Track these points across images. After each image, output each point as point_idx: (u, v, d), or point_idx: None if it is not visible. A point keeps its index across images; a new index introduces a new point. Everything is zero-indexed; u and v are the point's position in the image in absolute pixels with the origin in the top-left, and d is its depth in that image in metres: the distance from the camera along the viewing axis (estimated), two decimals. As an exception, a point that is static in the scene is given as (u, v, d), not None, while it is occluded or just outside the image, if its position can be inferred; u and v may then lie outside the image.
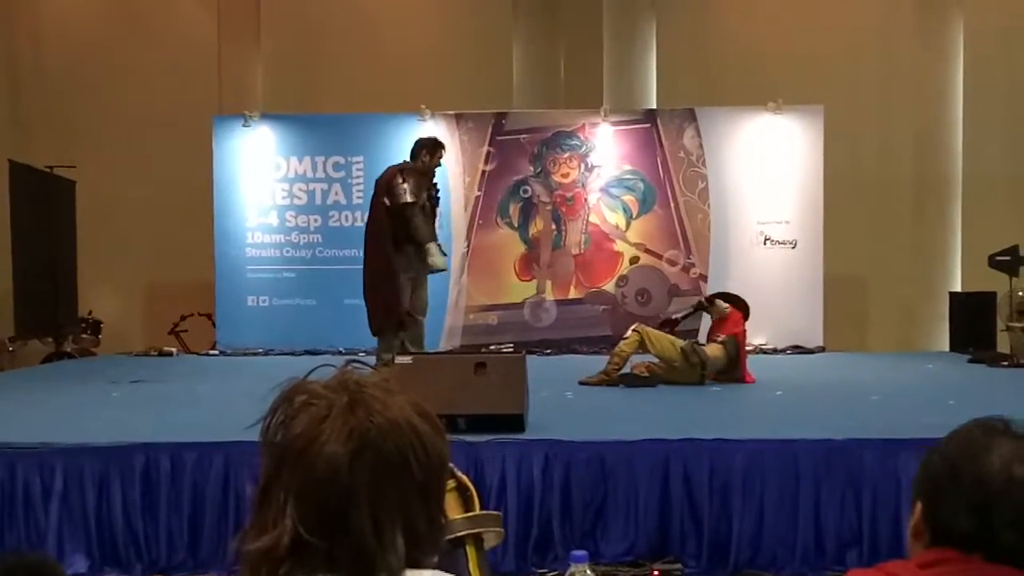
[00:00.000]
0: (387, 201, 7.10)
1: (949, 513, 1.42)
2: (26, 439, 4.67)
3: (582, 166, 10.60)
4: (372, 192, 7.48)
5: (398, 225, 7.09)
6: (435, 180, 7.55)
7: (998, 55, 11.30)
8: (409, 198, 7.03)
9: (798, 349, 10.18)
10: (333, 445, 1.13)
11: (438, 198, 7.62)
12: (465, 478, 1.47)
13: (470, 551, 1.44)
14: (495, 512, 1.53)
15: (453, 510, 1.41)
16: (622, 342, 7.29)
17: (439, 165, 7.55)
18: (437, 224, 7.72)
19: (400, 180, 7.08)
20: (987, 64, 11.31)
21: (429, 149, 7.35)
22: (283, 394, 1.19)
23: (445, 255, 7.44)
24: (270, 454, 1.16)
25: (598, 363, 8.43)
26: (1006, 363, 8.67)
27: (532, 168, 10.59)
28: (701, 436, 4.66)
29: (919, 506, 1.48)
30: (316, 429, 1.14)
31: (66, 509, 4.50)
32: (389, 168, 7.42)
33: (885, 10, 11.61)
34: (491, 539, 1.48)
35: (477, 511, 1.47)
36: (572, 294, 10.59)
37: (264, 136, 10.74)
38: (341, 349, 9.95)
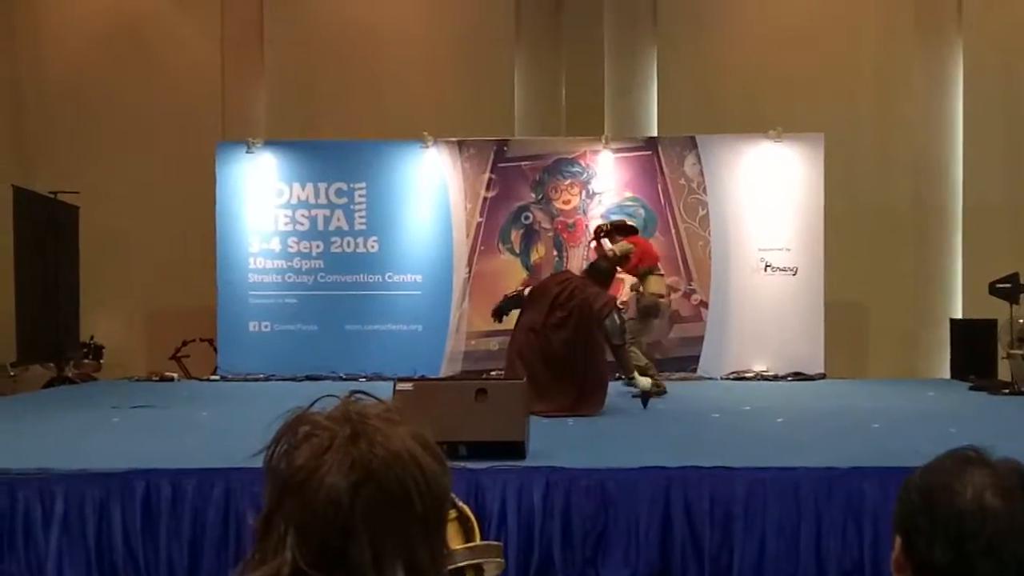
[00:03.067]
0: (602, 339, 7.29)
1: (926, 546, 1.43)
2: (27, 465, 4.67)
3: (583, 193, 10.63)
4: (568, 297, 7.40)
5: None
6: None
7: (997, 82, 11.35)
8: (622, 340, 7.37)
9: (799, 376, 10.16)
10: (334, 476, 1.13)
11: None
12: (466, 508, 1.47)
13: (469, 582, 1.44)
14: (496, 543, 1.53)
15: (453, 540, 1.41)
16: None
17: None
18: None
19: (615, 316, 7.28)
20: (987, 91, 11.36)
21: (627, 256, 7.98)
22: (286, 424, 1.20)
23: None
24: (272, 484, 1.17)
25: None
26: (1007, 391, 8.66)
27: (533, 195, 10.63)
28: (702, 464, 4.66)
29: (899, 540, 1.49)
30: (318, 460, 1.15)
31: (66, 535, 4.49)
32: (602, 292, 7.46)
33: (885, 39, 11.67)
34: (491, 570, 1.48)
35: (477, 541, 1.47)
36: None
37: (267, 162, 10.78)
38: (342, 375, 9.96)
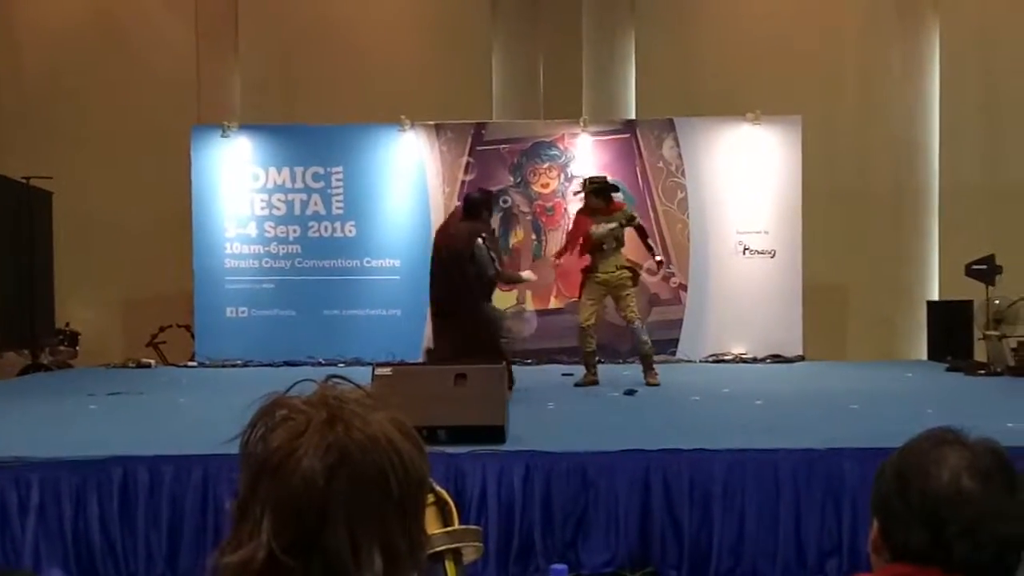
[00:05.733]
0: (472, 270, 7.14)
1: (902, 529, 1.42)
2: (2, 453, 4.63)
3: (562, 176, 10.62)
4: (439, 242, 7.45)
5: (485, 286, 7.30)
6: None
7: (974, 64, 11.39)
8: (494, 270, 7.24)
9: (777, 358, 10.21)
10: (310, 459, 1.12)
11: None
12: (444, 492, 1.46)
13: (449, 566, 1.43)
14: (474, 527, 1.52)
15: (432, 525, 1.40)
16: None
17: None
18: None
19: (482, 251, 7.13)
20: (964, 74, 11.40)
21: (488, 207, 7.54)
22: (262, 408, 1.19)
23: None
24: (248, 468, 1.16)
25: (579, 372, 8.45)
26: (983, 372, 8.73)
27: (512, 178, 10.60)
28: (681, 446, 4.66)
29: (876, 523, 1.48)
30: (294, 443, 1.13)
31: (43, 523, 4.46)
32: (462, 228, 7.31)
33: (862, 21, 11.69)
34: (470, 554, 1.48)
35: (456, 526, 1.46)
36: (552, 304, 10.60)
37: (242, 146, 10.70)
38: (320, 360, 9.92)
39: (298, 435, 1.13)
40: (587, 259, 7.91)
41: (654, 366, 7.94)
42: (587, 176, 8.76)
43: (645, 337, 7.93)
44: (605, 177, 8.53)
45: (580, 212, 8.16)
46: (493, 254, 7.27)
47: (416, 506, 1.17)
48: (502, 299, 10.46)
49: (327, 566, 1.10)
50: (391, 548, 1.13)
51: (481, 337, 7.00)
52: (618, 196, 8.35)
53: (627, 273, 7.83)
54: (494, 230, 7.92)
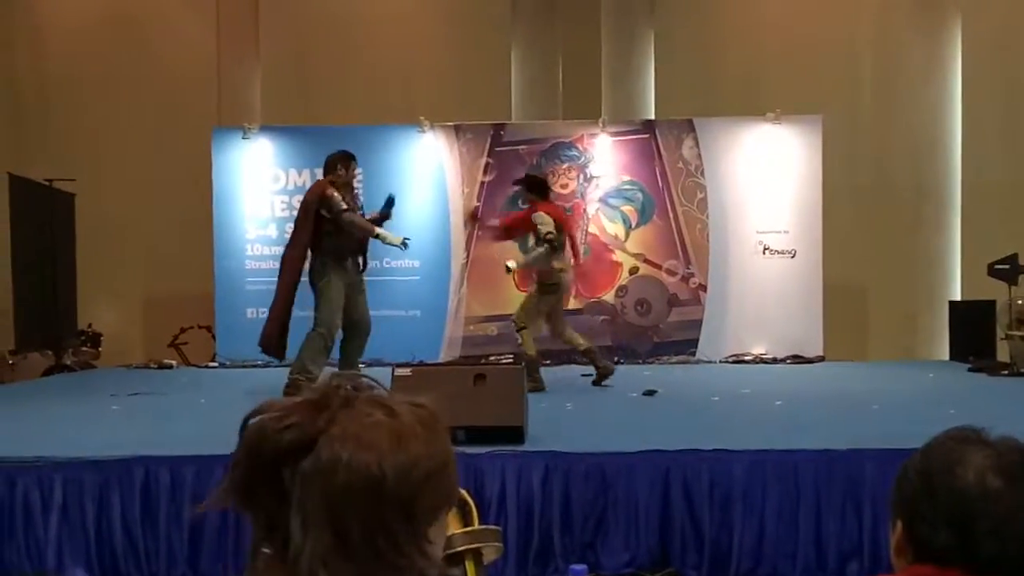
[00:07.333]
0: (326, 213, 7.11)
1: (928, 529, 1.42)
2: (26, 453, 4.66)
3: (581, 177, 10.61)
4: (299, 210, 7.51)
5: (338, 237, 7.13)
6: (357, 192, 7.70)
7: (996, 63, 11.31)
8: (344, 206, 7.11)
9: (798, 359, 10.17)
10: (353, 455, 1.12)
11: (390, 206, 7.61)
12: (464, 492, 1.46)
13: (469, 566, 1.44)
14: (494, 527, 1.52)
15: (452, 525, 1.40)
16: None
17: (355, 177, 7.66)
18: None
19: (329, 192, 7.13)
20: (985, 72, 11.33)
21: (343, 162, 7.37)
22: (264, 405, 1.20)
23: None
24: (267, 461, 1.17)
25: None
26: (1006, 372, 8.68)
27: (531, 179, 10.59)
28: (701, 447, 4.65)
29: (899, 524, 1.48)
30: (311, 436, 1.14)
31: (66, 523, 4.49)
32: (317, 183, 7.53)
33: (882, 19, 11.63)
34: (490, 554, 1.48)
35: (476, 526, 1.46)
36: (571, 304, 10.56)
37: (263, 148, 10.75)
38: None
39: (296, 435, 1.14)
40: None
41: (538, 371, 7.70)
42: (527, 173, 8.90)
43: (521, 340, 7.80)
44: (537, 175, 8.65)
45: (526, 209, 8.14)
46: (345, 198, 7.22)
47: (424, 508, 1.15)
48: (520, 300, 10.48)
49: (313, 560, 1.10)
50: (394, 553, 1.12)
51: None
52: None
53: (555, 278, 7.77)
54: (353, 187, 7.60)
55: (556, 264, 7.70)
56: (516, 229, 8.12)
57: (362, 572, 1.11)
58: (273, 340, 7.47)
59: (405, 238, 7.49)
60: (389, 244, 7.41)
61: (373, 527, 1.11)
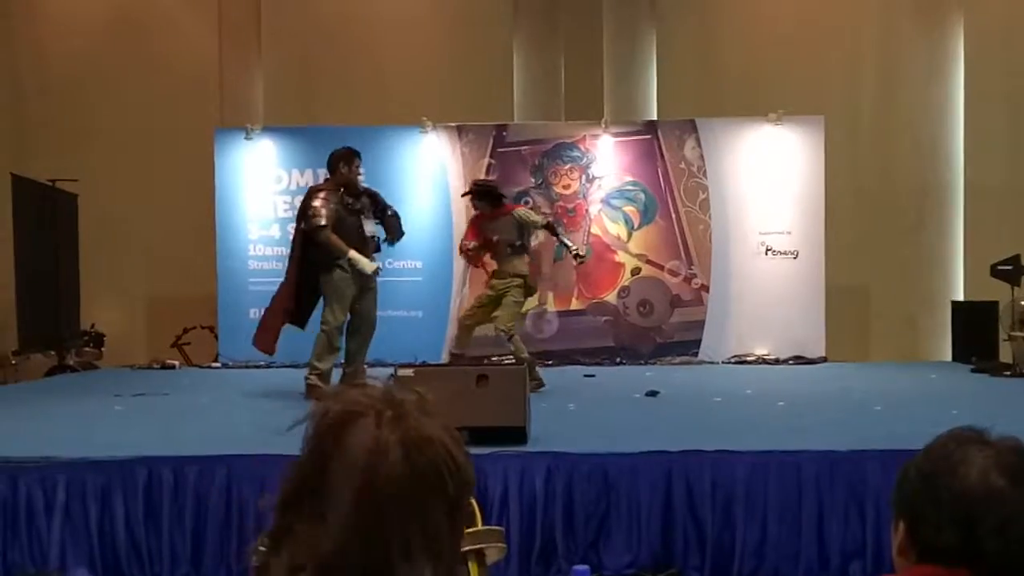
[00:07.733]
0: (304, 225, 7.07)
1: (932, 530, 1.42)
2: (29, 453, 4.67)
3: (583, 177, 10.61)
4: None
5: (339, 236, 7.05)
6: (370, 188, 7.46)
7: (998, 64, 11.29)
8: (322, 222, 6.96)
9: (800, 360, 10.17)
10: (392, 453, 1.15)
11: (388, 206, 7.50)
12: (467, 493, 1.47)
13: (472, 567, 1.44)
14: (497, 527, 1.53)
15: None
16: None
17: (360, 175, 7.38)
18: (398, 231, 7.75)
19: (315, 203, 7.03)
20: (988, 72, 11.31)
21: (346, 159, 7.28)
22: (325, 396, 1.22)
23: (373, 259, 7.31)
24: (317, 457, 1.17)
25: (601, 373, 8.45)
26: (1008, 373, 8.67)
27: (533, 179, 10.60)
28: (704, 448, 4.66)
29: (901, 525, 1.48)
30: (369, 436, 1.15)
31: (69, 523, 4.50)
32: (311, 189, 7.50)
33: (884, 20, 11.62)
34: (493, 554, 1.48)
35: (479, 526, 1.47)
36: (574, 305, 10.59)
37: (266, 148, 10.76)
38: (343, 362, 9.93)
39: (374, 428, 1.15)
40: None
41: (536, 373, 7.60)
42: (475, 179, 8.87)
43: (513, 347, 7.75)
44: (489, 181, 8.64)
45: (474, 217, 8.10)
46: (326, 211, 7.04)
47: (462, 508, 1.20)
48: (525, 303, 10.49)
49: (374, 558, 1.12)
50: (436, 545, 1.15)
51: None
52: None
53: (516, 281, 7.73)
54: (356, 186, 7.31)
55: (523, 266, 7.79)
56: (489, 241, 7.87)
57: (387, 567, 1.13)
58: (268, 335, 7.40)
59: (378, 266, 7.29)
60: (360, 269, 7.11)
61: (423, 523, 1.15)
